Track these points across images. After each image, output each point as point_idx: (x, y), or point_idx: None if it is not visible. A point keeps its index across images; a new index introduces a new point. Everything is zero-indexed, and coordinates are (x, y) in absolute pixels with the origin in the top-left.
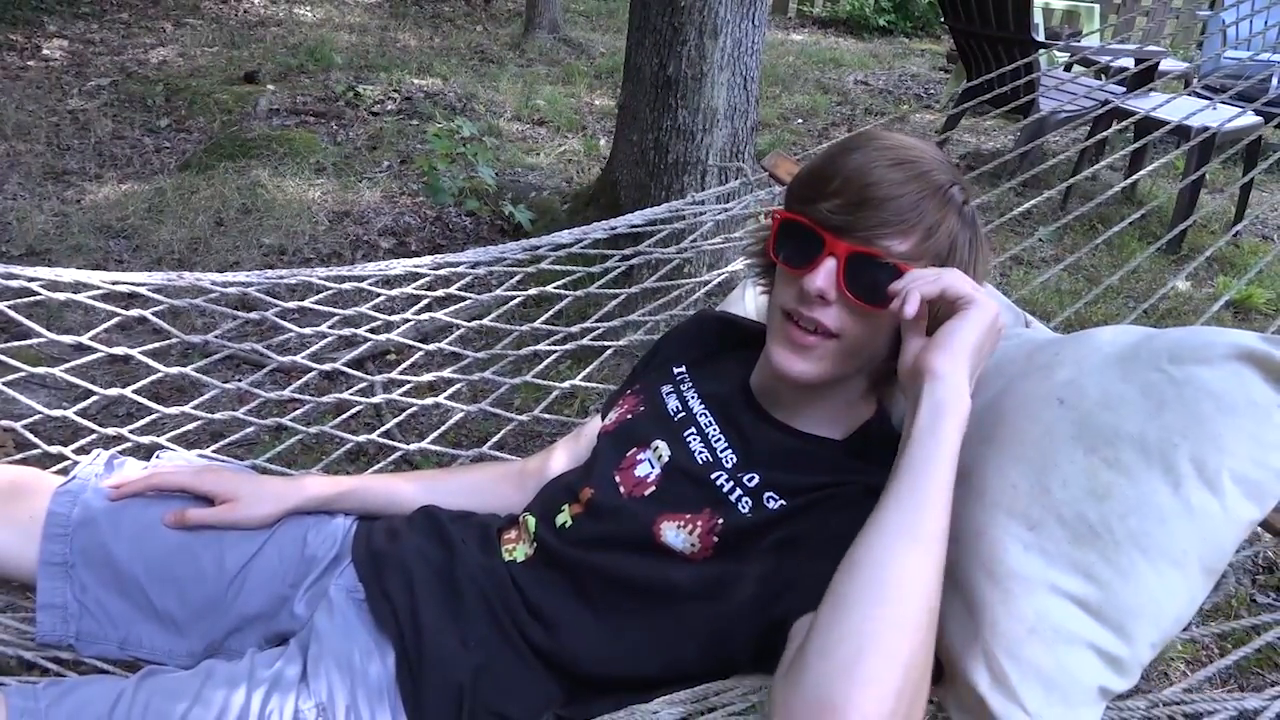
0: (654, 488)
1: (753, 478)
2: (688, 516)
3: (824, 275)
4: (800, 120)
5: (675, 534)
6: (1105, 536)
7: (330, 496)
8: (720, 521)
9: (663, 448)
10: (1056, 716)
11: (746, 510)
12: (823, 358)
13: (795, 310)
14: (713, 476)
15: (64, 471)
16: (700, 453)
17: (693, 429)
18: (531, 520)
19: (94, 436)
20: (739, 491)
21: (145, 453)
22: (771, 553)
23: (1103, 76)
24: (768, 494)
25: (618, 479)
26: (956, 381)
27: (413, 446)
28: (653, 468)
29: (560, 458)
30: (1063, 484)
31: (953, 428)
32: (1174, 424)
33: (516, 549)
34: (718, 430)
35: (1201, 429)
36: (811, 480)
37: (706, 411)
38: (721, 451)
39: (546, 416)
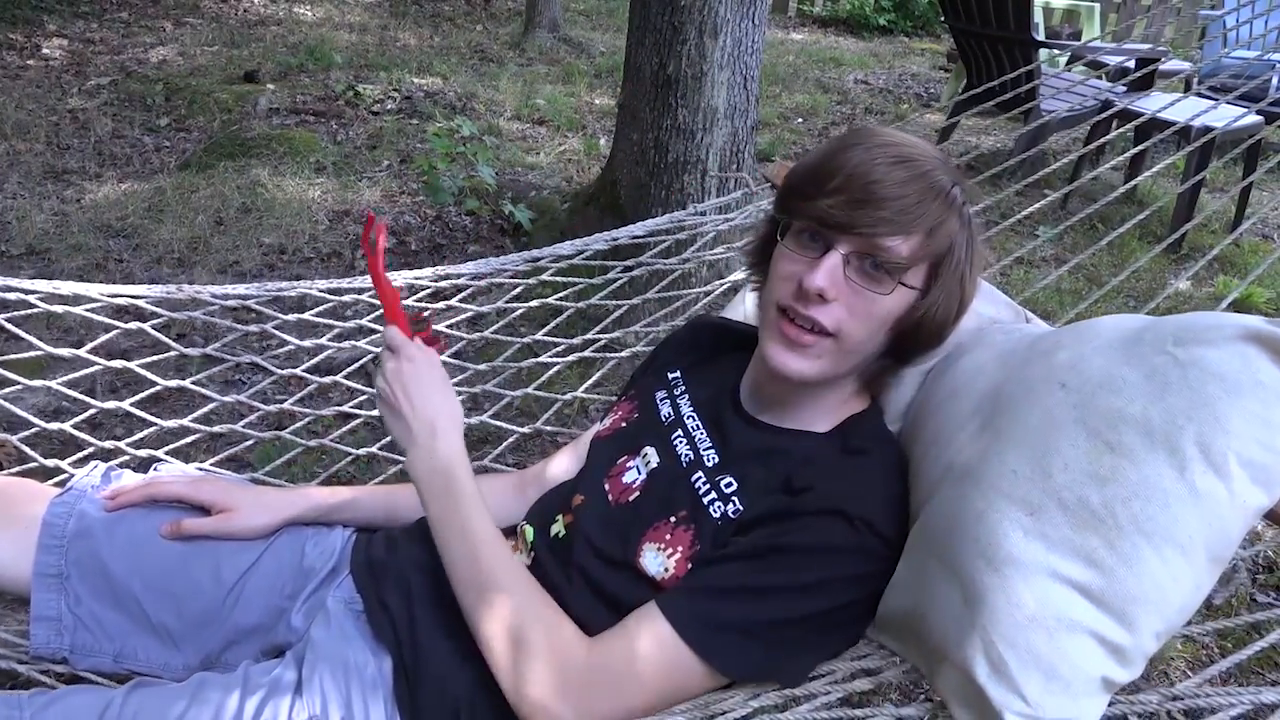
0: (638, 493)
1: (730, 483)
2: (668, 537)
3: (824, 273)
4: (800, 120)
5: (654, 557)
6: (1108, 521)
7: (328, 507)
8: (698, 549)
9: (651, 454)
10: (1057, 706)
11: (718, 517)
12: (820, 356)
13: (792, 308)
14: (694, 479)
15: (61, 484)
16: (685, 454)
17: (680, 431)
18: (530, 530)
19: (91, 449)
20: (713, 495)
21: (143, 465)
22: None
23: (1104, 78)
24: (738, 499)
25: (607, 486)
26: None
27: None
28: (639, 474)
29: (560, 465)
30: (1064, 468)
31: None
32: (1179, 406)
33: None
34: (704, 432)
35: (1207, 411)
36: (782, 474)
37: (695, 414)
38: (704, 450)
39: (548, 429)
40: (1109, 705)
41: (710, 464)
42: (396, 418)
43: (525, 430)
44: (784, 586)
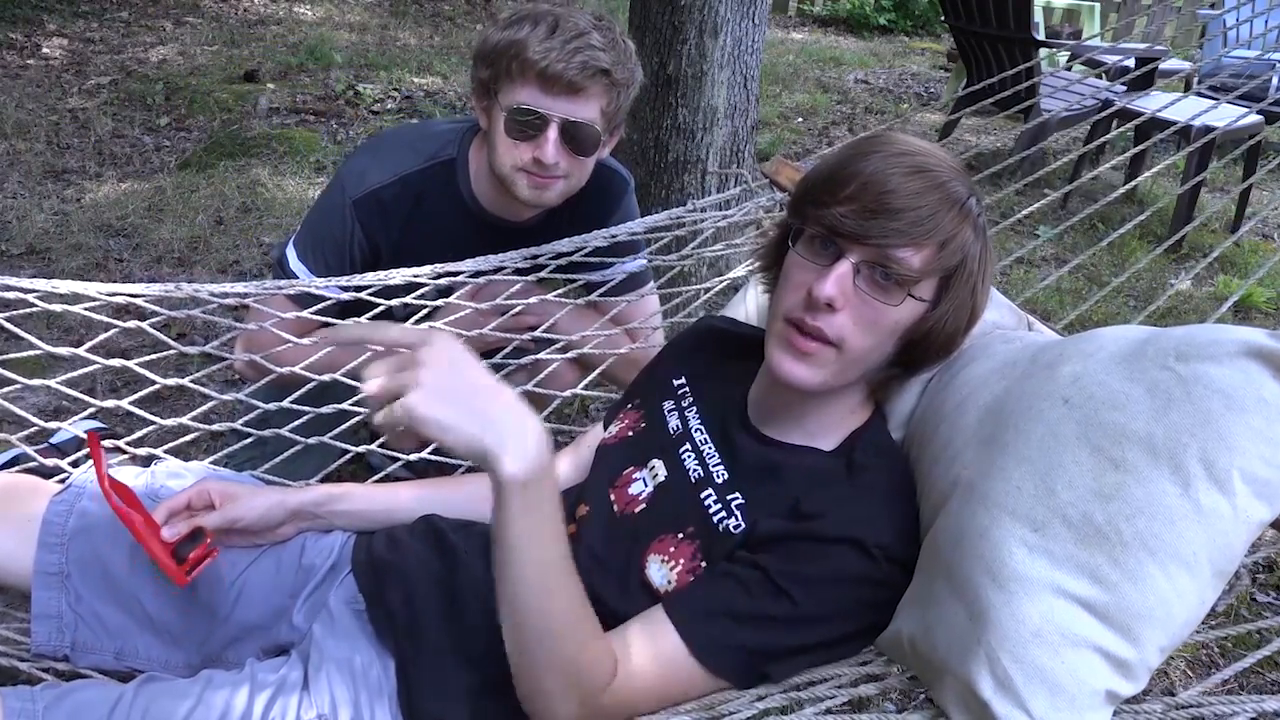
0: (644, 505)
1: (738, 500)
2: (672, 549)
3: (833, 282)
4: (800, 119)
5: (658, 569)
6: (1112, 538)
7: (329, 499)
8: (702, 564)
9: (659, 467)
10: None
11: (724, 532)
12: (825, 365)
13: (800, 319)
14: (703, 495)
15: (61, 482)
16: (694, 470)
17: (688, 445)
18: None
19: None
20: (723, 513)
21: (142, 464)
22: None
23: (1104, 77)
24: (743, 514)
25: (612, 496)
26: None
27: (413, 456)
28: (646, 486)
29: (563, 467)
30: (1068, 485)
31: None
32: (1182, 423)
33: None
34: (713, 447)
35: (1210, 428)
36: (790, 495)
37: (703, 427)
38: (714, 467)
39: (547, 425)
40: (1113, 715)
41: (720, 480)
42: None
43: None
44: (800, 618)
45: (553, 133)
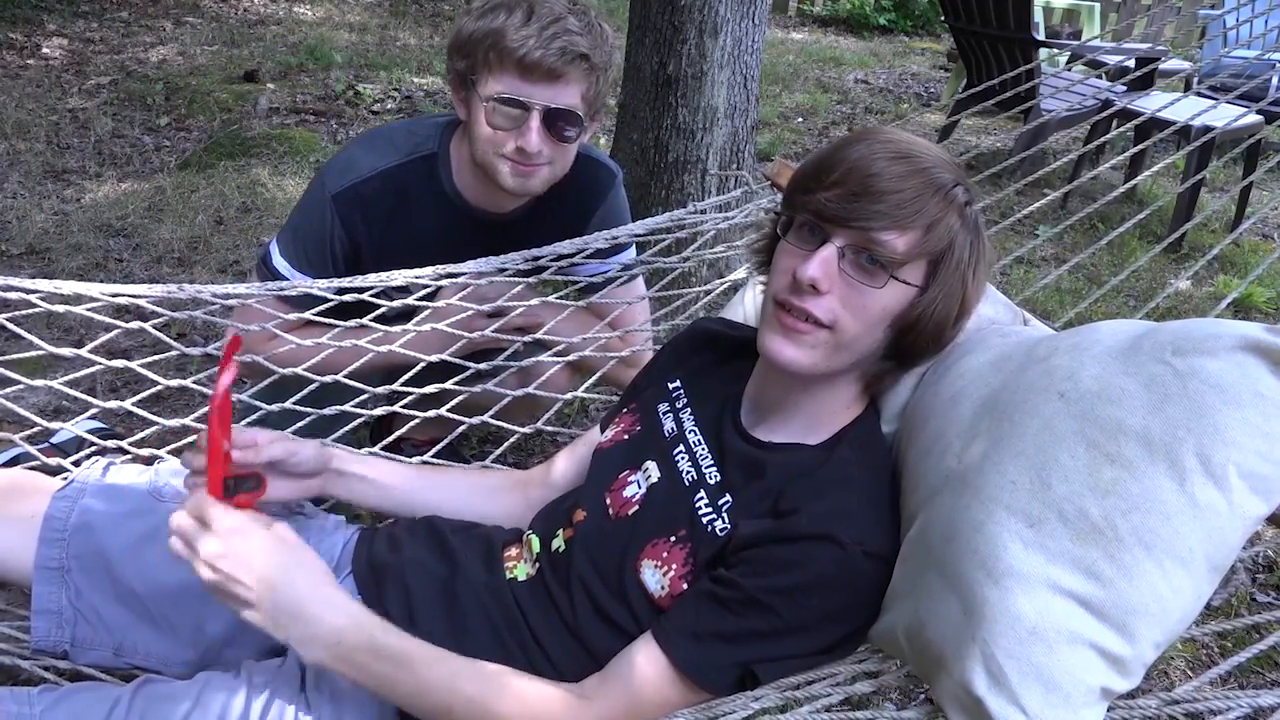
0: (638, 507)
1: (727, 502)
2: (665, 554)
3: (817, 264)
4: (800, 119)
5: (652, 574)
6: (1108, 533)
7: (355, 470)
8: (691, 568)
9: (653, 469)
10: (1057, 718)
11: (712, 534)
12: (815, 345)
13: (787, 300)
14: (696, 499)
15: (64, 480)
16: (687, 472)
17: (682, 447)
18: (535, 540)
19: (93, 448)
20: (712, 514)
21: (144, 464)
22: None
23: (1104, 77)
24: (730, 515)
25: (608, 500)
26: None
27: (415, 459)
28: (640, 488)
29: (562, 467)
30: (1064, 479)
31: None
32: (1178, 417)
33: (518, 567)
34: (706, 449)
35: (1206, 422)
36: (773, 493)
37: (696, 429)
38: (707, 469)
39: (548, 429)
40: (1108, 711)
41: (713, 482)
42: (254, 610)
43: (526, 430)
44: (786, 629)
45: (535, 121)
